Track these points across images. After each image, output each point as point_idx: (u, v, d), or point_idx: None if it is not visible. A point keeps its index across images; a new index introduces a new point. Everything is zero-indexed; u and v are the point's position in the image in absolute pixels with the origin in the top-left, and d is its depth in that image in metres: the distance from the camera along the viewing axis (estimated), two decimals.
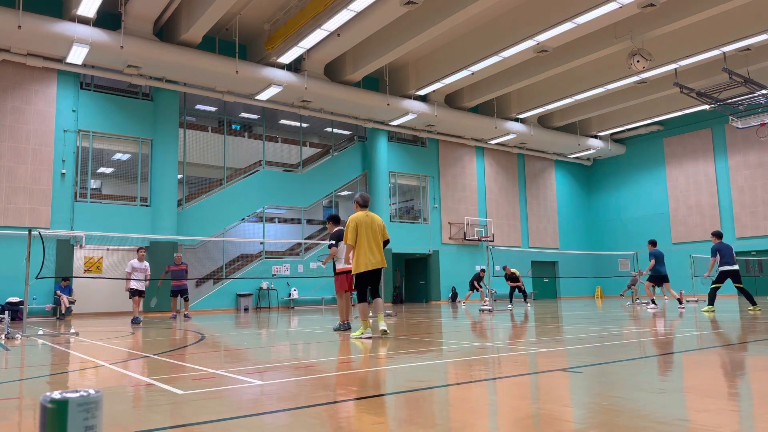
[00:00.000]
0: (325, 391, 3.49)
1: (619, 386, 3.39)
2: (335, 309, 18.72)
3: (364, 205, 7.42)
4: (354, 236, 7.20)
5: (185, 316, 13.75)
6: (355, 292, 8.37)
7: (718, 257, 12.27)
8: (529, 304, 18.61)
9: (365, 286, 7.31)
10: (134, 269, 12.37)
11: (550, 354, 5.11)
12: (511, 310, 14.78)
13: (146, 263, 12.80)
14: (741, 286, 12.07)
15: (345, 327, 8.46)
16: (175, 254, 14.84)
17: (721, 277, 12.17)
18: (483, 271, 21.24)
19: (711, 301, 12.11)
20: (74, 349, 6.63)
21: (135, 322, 11.83)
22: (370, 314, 8.58)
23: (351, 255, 7.26)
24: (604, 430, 2.37)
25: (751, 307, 11.92)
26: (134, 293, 12.39)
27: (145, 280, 12.49)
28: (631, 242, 28.55)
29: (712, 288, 12.26)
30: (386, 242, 7.46)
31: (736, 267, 12.17)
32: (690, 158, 27.48)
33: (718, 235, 12.73)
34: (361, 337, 6.95)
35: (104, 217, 17.63)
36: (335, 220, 9.21)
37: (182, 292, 14.15)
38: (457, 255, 25.59)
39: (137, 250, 12.80)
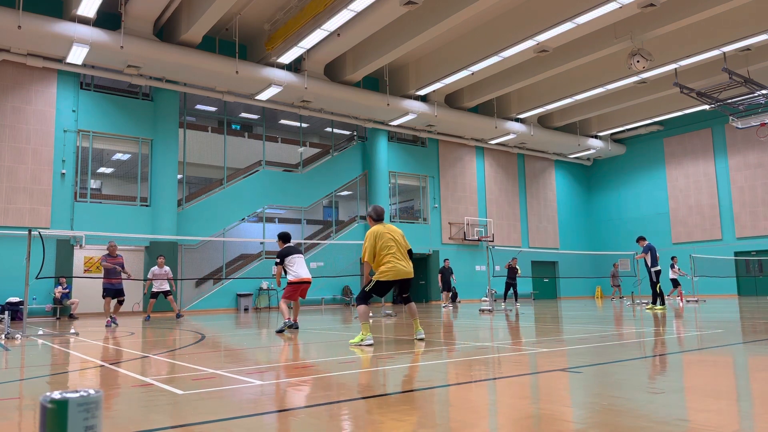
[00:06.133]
0: (325, 391, 3.49)
1: (619, 386, 3.39)
2: (335, 309, 18.73)
3: (377, 218, 6.93)
4: (372, 253, 6.64)
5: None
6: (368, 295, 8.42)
7: (648, 257, 13.66)
8: (519, 304, 18.61)
9: (381, 293, 6.68)
10: (155, 275, 13.83)
11: (550, 354, 5.11)
12: (510, 310, 14.77)
13: (167, 268, 14.20)
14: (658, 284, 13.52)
15: (292, 325, 8.90)
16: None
17: (658, 276, 13.55)
18: (447, 261, 19.99)
19: (657, 299, 13.40)
20: (74, 349, 6.63)
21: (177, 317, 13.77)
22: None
23: (367, 272, 6.77)
24: (604, 430, 2.37)
25: (659, 307, 13.18)
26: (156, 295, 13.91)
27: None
28: (631, 242, 28.53)
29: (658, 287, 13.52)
30: (410, 251, 6.96)
31: (659, 267, 13.66)
32: (690, 158, 27.48)
33: (643, 238, 14.15)
34: (361, 344, 6.30)
35: (104, 217, 17.63)
36: (283, 238, 9.47)
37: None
38: (457, 255, 25.58)
39: (158, 257, 14.42)
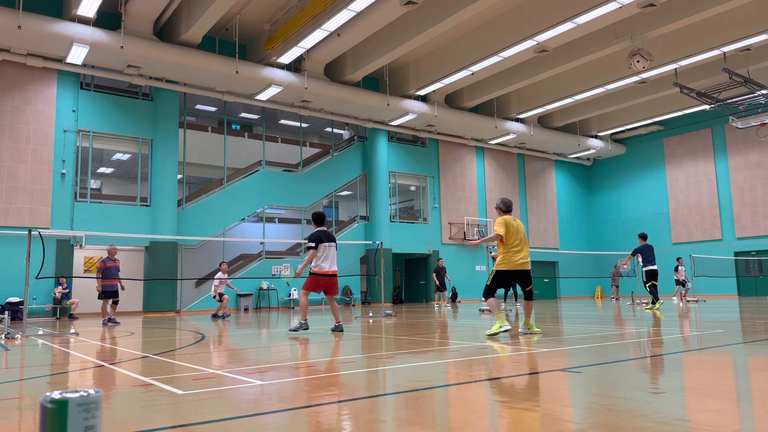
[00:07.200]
0: (325, 391, 3.49)
1: (619, 386, 3.39)
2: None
3: (506, 210, 7.38)
4: (503, 230, 7.13)
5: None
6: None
7: (639, 257, 13.98)
8: (519, 304, 18.59)
9: (504, 284, 7.15)
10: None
11: (550, 354, 5.11)
12: (510, 310, 14.77)
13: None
14: (655, 283, 13.66)
15: (305, 326, 8.34)
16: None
17: (650, 276, 13.68)
18: (441, 260, 20.31)
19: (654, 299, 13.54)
20: (74, 349, 6.63)
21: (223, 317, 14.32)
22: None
23: (489, 247, 7.54)
24: (604, 430, 2.37)
25: (656, 306, 13.21)
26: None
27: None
28: (631, 242, 28.53)
29: (649, 286, 13.68)
30: None
31: (654, 267, 13.73)
32: (690, 158, 27.48)
33: (643, 236, 14.12)
34: (498, 332, 6.70)
35: (104, 217, 17.63)
36: (317, 219, 8.68)
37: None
38: (458, 255, 25.58)
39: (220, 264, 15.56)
